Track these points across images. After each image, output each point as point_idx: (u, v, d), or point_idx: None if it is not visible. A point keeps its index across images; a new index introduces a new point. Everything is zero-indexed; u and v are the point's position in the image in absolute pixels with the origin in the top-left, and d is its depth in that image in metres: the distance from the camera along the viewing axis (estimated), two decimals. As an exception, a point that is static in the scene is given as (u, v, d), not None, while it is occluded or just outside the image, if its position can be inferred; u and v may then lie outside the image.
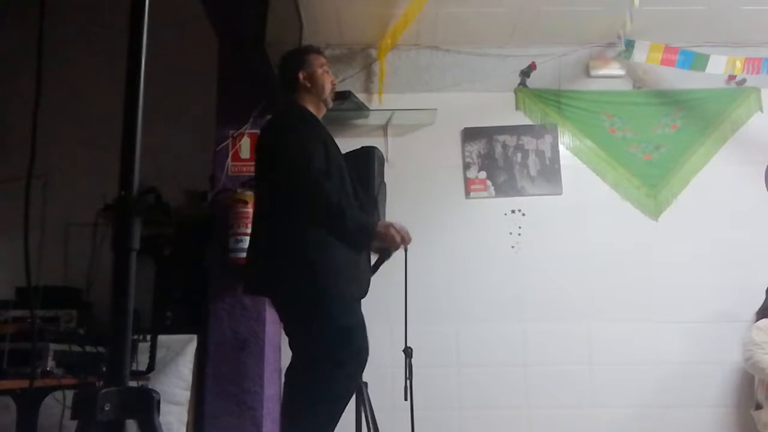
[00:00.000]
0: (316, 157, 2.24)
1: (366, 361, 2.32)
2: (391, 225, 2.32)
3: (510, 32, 3.79)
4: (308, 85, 2.49)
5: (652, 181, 3.74)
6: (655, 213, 3.70)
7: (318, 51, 2.63)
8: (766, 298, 3.43)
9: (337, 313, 2.23)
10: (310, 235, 2.23)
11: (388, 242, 2.31)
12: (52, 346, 2.34)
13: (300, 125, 2.36)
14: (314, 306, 2.23)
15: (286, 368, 2.32)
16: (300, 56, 2.56)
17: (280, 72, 2.59)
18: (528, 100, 3.86)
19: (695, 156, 3.78)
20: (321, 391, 2.20)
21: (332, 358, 2.20)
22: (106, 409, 0.94)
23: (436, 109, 3.68)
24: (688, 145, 3.79)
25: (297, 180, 2.22)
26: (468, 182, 3.74)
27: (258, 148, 2.43)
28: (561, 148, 3.79)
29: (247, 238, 2.99)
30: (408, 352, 2.81)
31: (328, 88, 2.53)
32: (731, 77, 3.85)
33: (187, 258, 3.29)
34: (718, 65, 3.63)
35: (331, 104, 2.59)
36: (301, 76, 2.49)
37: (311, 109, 2.50)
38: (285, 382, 2.31)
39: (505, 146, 3.78)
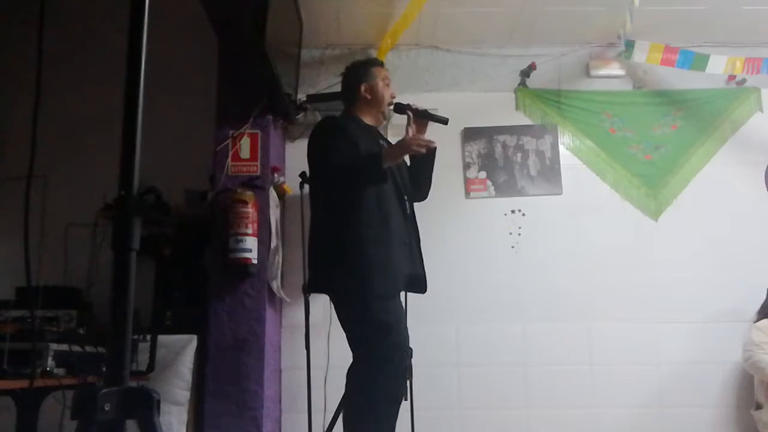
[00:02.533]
0: (337, 155, 2.43)
1: (405, 357, 2.39)
2: (402, 140, 2.46)
3: (510, 32, 3.79)
4: (368, 97, 2.66)
5: (652, 181, 3.74)
6: (655, 213, 3.70)
7: (381, 64, 2.79)
8: (767, 297, 3.43)
9: (373, 309, 2.33)
10: (345, 235, 2.39)
11: (407, 150, 2.44)
12: (52, 346, 2.34)
13: (328, 133, 2.54)
14: (352, 304, 2.39)
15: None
16: (363, 68, 2.71)
17: (342, 82, 2.76)
18: (528, 100, 3.86)
19: (695, 156, 3.78)
20: (370, 389, 2.31)
21: (375, 353, 2.31)
22: (106, 409, 0.94)
23: (436, 109, 3.67)
24: (688, 145, 3.79)
25: (321, 179, 2.54)
26: (468, 182, 3.74)
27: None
28: (561, 148, 3.79)
29: (247, 238, 3.02)
30: (408, 352, 2.81)
31: (387, 100, 2.68)
32: (731, 77, 3.85)
33: (187, 258, 3.29)
34: (718, 65, 3.63)
35: (389, 116, 2.79)
36: (362, 88, 2.65)
37: (368, 118, 2.68)
38: (346, 382, 2.43)
39: (505, 146, 3.78)
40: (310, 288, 2.62)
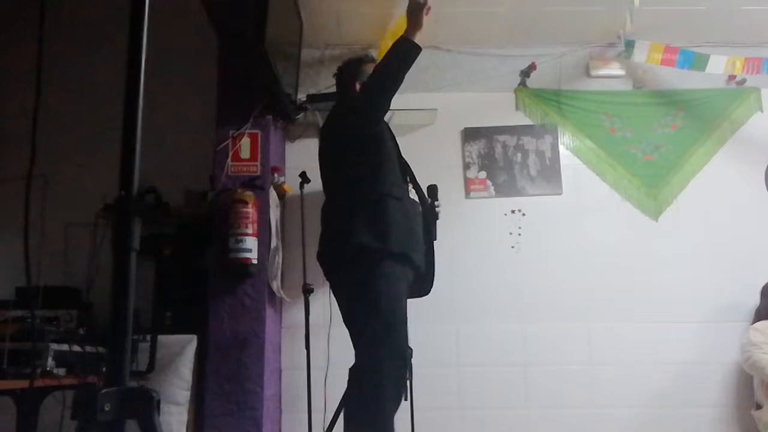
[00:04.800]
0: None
1: (408, 360, 2.41)
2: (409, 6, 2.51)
3: (510, 32, 3.79)
4: None
5: (652, 181, 3.74)
6: (655, 213, 3.70)
7: (373, 60, 2.82)
8: (761, 300, 3.43)
9: (381, 308, 2.32)
10: (353, 225, 2.37)
11: (420, 7, 2.49)
12: (52, 346, 2.34)
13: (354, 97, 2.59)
14: (380, 268, 2.34)
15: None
16: (356, 66, 2.74)
17: (337, 80, 2.79)
18: (528, 100, 3.86)
19: (695, 156, 3.78)
20: (377, 387, 2.30)
21: (372, 355, 2.30)
22: (106, 409, 0.94)
23: (436, 109, 3.68)
24: (688, 145, 3.79)
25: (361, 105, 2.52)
26: (468, 182, 3.74)
27: (322, 132, 2.70)
28: (561, 148, 3.79)
29: (247, 238, 3.01)
30: (408, 352, 2.82)
31: None
32: (731, 77, 3.85)
33: (187, 258, 3.29)
34: (718, 65, 3.63)
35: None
36: (357, 85, 2.67)
37: None
38: (348, 380, 2.43)
39: (505, 146, 3.78)
40: (329, 268, 2.54)
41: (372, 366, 2.32)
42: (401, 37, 2.45)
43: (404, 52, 2.43)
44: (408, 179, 2.64)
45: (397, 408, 2.41)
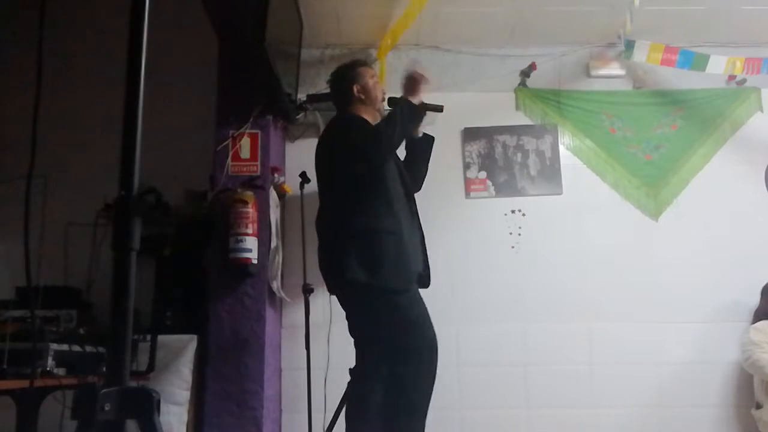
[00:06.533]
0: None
1: (436, 348, 2.47)
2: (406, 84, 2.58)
3: (510, 32, 3.79)
4: (362, 96, 2.69)
5: (652, 181, 3.74)
6: (655, 213, 3.70)
7: (366, 63, 2.85)
8: (761, 300, 3.43)
9: (394, 305, 2.36)
10: (358, 227, 2.41)
11: (418, 85, 2.59)
12: (52, 346, 2.34)
13: (357, 124, 2.58)
14: (375, 302, 2.38)
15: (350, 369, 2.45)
16: (352, 70, 2.75)
17: (333, 87, 2.80)
18: (528, 100, 3.86)
19: (695, 156, 3.78)
20: (399, 389, 2.34)
21: (404, 347, 2.35)
22: (106, 409, 0.94)
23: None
24: (688, 145, 3.79)
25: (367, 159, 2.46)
26: (468, 182, 3.73)
27: (318, 151, 2.65)
28: (561, 148, 3.79)
29: (247, 238, 3.02)
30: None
31: (380, 97, 2.73)
32: (731, 77, 3.85)
33: (187, 258, 3.29)
34: (718, 65, 3.63)
35: (384, 112, 2.75)
36: (355, 89, 2.68)
37: (366, 117, 2.68)
38: (350, 384, 2.45)
39: (505, 146, 3.78)
40: (329, 289, 2.59)
41: (391, 360, 2.35)
42: (406, 104, 2.55)
43: (407, 108, 2.52)
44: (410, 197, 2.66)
45: (428, 404, 2.45)
